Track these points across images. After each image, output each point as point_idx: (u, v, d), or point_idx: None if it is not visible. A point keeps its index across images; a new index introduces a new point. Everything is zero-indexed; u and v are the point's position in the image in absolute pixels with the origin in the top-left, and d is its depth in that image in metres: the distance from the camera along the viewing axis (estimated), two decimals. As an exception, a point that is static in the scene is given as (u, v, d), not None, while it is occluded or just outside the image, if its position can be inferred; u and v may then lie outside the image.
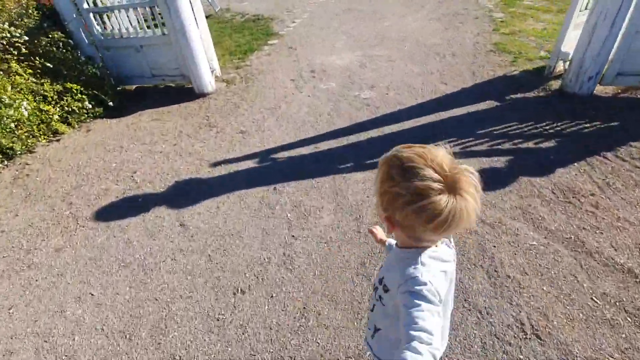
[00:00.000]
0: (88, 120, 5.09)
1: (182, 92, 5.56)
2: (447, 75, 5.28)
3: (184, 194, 3.59)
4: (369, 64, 5.94)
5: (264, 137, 4.34)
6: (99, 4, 5.29)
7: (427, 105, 4.63)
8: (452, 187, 0.77)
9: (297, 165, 3.83)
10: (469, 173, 0.79)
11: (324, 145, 4.09)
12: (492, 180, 3.26)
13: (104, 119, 5.16)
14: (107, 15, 5.44)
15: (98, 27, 5.37)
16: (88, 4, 5.23)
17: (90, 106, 5.04)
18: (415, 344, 0.74)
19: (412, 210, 0.78)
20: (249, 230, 3.09)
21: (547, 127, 3.95)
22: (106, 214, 3.46)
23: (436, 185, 0.76)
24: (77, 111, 4.91)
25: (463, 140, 3.87)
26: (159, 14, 4.99)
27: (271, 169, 3.81)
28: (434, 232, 0.81)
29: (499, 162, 3.51)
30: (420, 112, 4.49)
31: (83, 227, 3.30)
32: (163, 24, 5.04)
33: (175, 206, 3.43)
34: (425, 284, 0.84)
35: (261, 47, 7.31)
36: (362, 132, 4.24)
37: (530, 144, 3.72)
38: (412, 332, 0.76)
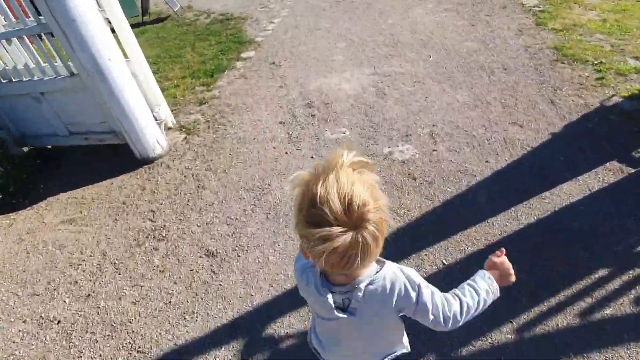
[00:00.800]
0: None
1: (119, 152, 3.46)
2: (515, 108, 3.23)
3: None
4: (389, 88, 3.87)
5: (250, 274, 2.22)
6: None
7: (512, 176, 2.60)
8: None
9: None
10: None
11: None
12: None
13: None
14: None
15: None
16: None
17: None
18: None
19: None
20: None
21: None
22: None
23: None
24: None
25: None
26: (61, 46, 2.88)
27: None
28: None
29: None
30: (506, 190, 2.48)
31: None
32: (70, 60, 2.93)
33: None
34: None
35: (233, 63, 5.17)
36: (423, 251, 2.16)
37: None
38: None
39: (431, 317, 0.83)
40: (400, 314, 0.88)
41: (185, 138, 3.53)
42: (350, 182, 0.60)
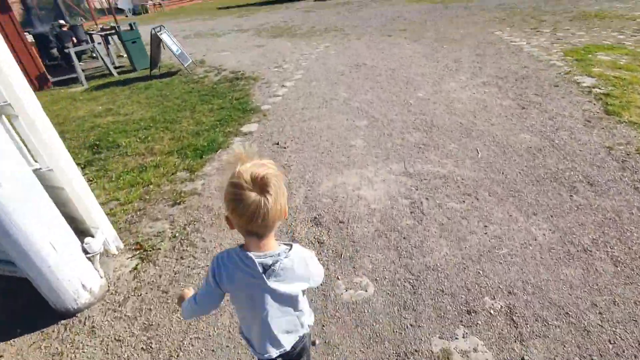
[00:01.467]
0: None
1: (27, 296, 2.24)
2: (633, 267, 1.96)
3: None
4: (429, 203, 2.61)
5: None
6: None
7: None
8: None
9: None
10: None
11: None
12: None
13: None
14: None
15: None
16: None
17: None
18: None
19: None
20: None
21: None
22: None
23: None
24: None
25: None
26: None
27: None
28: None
29: None
30: None
31: None
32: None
33: None
34: None
35: (230, 139, 4.06)
36: None
37: None
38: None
39: (317, 279, 1.06)
40: (306, 287, 1.03)
41: (136, 268, 2.33)
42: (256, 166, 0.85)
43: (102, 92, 6.87)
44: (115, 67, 8.80)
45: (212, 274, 0.95)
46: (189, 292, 1.11)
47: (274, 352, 1.05)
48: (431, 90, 4.71)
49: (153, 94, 6.24)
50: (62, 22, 9.66)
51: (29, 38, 9.40)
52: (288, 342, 1.06)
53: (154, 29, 7.10)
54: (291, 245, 0.97)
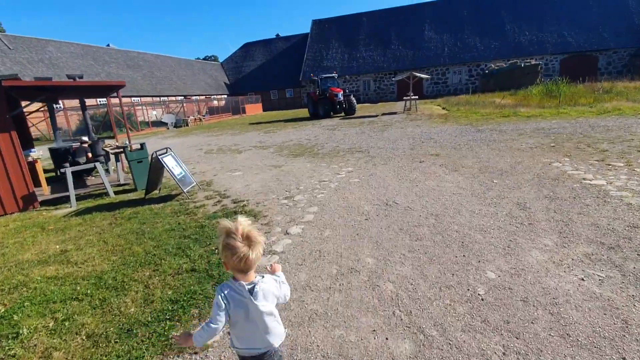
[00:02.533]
0: None
1: None
2: None
3: None
4: None
5: None
6: None
7: None
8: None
9: None
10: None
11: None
12: None
13: None
14: None
15: None
16: None
17: None
18: None
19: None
20: None
21: None
22: None
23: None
24: None
25: None
26: None
27: None
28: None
29: None
30: None
31: None
32: None
33: None
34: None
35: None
36: None
37: None
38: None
39: (286, 298, 1.56)
40: (277, 303, 1.51)
41: None
42: (247, 225, 1.38)
43: (81, 219, 5.67)
44: (121, 185, 7.96)
45: (221, 298, 1.39)
46: (192, 330, 1.71)
47: (261, 348, 1.48)
48: (507, 267, 2.97)
49: (130, 230, 4.90)
50: (84, 138, 9.40)
51: (43, 153, 9.02)
52: (270, 341, 1.49)
53: (156, 152, 6.23)
54: (263, 276, 1.49)
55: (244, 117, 30.70)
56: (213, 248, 3.94)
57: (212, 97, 37.75)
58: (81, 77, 9.78)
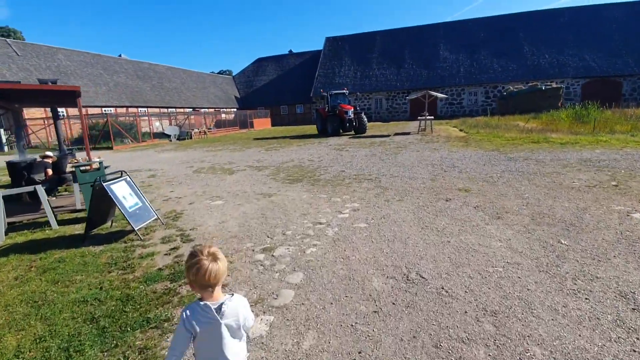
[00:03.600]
0: None
1: None
2: None
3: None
4: None
5: None
6: None
7: None
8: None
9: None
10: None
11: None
12: None
13: None
14: None
15: None
16: None
17: None
18: None
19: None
20: None
21: None
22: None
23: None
24: None
25: None
26: None
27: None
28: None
29: None
30: None
31: None
32: None
33: None
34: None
35: None
36: None
37: None
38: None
39: (250, 323, 1.50)
40: (244, 325, 1.46)
41: None
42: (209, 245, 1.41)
43: (3, 259, 4.18)
44: (77, 211, 6.46)
45: (183, 324, 1.34)
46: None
47: None
48: None
49: (31, 293, 3.33)
50: (48, 153, 8.01)
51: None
52: None
53: (99, 179, 4.71)
54: (233, 294, 1.44)
55: (250, 132, 29.51)
56: (124, 355, 2.30)
57: (222, 110, 36.85)
58: (54, 83, 8.47)
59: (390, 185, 6.84)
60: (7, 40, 25.56)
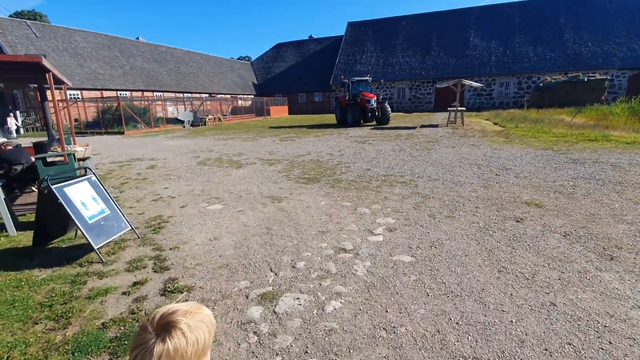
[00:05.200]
0: None
1: None
2: None
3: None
4: None
5: None
6: None
7: None
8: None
9: None
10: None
11: None
12: None
13: None
14: None
15: None
16: None
17: None
18: None
19: None
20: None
21: None
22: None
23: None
24: None
25: None
26: None
27: None
28: None
29: None
30: None
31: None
32: None
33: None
34: None
35: None
36: None
37: None
38: None
39: None
40: None
41: None
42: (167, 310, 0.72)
43: None
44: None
45: None
46: None
47: None
48: None
49: None
50: (3, 139, 6.86)
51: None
52: None
53: (47, 179, 3.45)
54: None
55: (267, 120, 28.19)
56: None
57: (238, 96, 35.64)
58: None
59: (430, 193, 5.34)
60: (27, 21, 24.93)
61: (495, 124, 16.15)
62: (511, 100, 29.15)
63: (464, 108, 17.19)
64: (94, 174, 4.00)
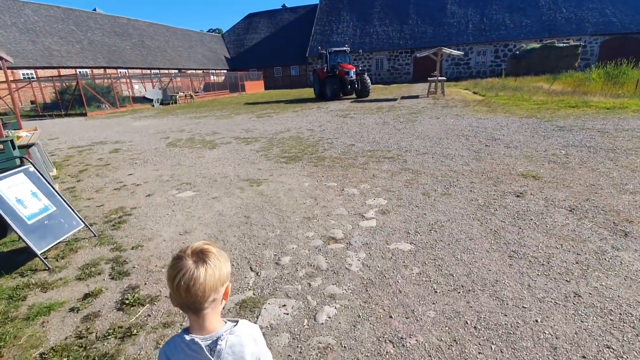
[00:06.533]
0: None
1: None
2: None
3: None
4: None
5: None
6: None
7: None
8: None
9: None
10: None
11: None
12: None
13: None
14: None
15: None
16: None
17: None
18: None
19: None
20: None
21: None
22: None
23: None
24: None
25: None
26: None
27: None
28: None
29: None
30: None
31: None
32: None
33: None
34: None
35: None
36: None
37: None
38: None
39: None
40: None
41: None
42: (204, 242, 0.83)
43: None
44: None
45: None
46: None
47: None
48: None
49: None
50: None
51: None
52: None
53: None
54: (237, 321, 0.86)
55: (242, 96, 26.85)
56: None
57: (210, 72, 33.66)
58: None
59: (421, 168, 4.96)
60: (-38, -8, 21.92)
61: (475, 93, 15.90)
62: (488, 69, 29.00)
63: (444, 78, 16.77)
64: (32, 164, 3.31)
